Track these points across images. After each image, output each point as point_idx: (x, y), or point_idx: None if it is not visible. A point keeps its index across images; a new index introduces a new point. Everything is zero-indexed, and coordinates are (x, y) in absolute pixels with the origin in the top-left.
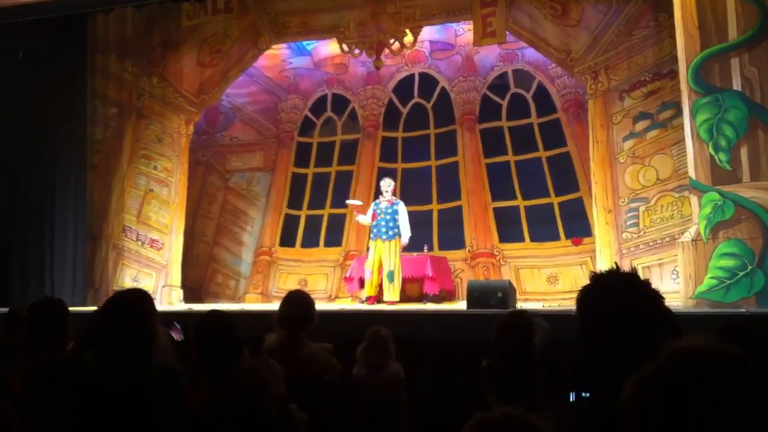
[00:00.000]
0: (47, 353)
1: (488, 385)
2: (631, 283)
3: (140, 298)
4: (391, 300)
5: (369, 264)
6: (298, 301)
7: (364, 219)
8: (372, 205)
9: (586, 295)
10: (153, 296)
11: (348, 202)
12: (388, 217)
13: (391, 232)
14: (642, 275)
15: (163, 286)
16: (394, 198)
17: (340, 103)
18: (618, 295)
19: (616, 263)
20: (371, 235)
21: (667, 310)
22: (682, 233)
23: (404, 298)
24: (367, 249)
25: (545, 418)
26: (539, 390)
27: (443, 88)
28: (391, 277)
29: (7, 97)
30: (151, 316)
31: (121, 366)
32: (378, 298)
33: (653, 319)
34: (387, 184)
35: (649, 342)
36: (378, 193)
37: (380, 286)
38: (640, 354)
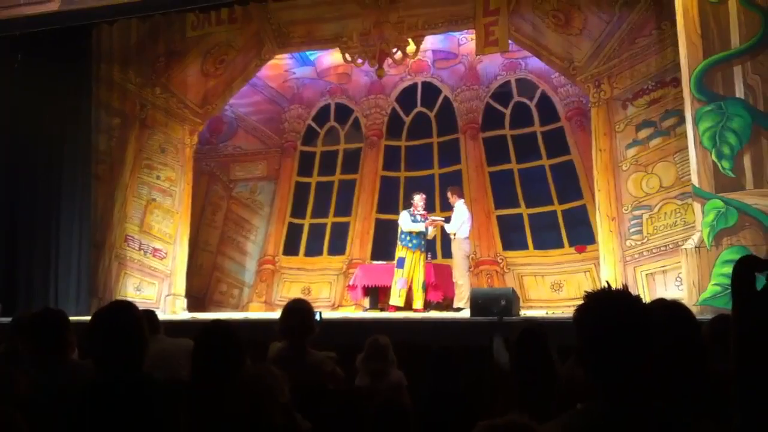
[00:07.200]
0: (50, 360)
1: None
2: (623, 299)
3: (124, 310)
4: (419, 308)
5: (403, 273)
6: (296, 312)
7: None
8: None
9: (580, 315)
10: (156, 305)
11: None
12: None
13: (415, 241)
14: (646, 282)
15: (167, 295)
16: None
17: (343, 112)
18: (610, 312)
19: (607, 281)
20: (402, 243)
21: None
22: (686, 240)
23: (406, 305)
24: (399, 259)
25: (554, 426)
26: (555, 397)
27: (446, 97)
28: (424, 287)
29: (12, 107)
30: (135, 327)
31: (112, 374)
32: (401, 308)
33: (646, 334)
34: (419, 198)
35: (643, 355)
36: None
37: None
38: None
